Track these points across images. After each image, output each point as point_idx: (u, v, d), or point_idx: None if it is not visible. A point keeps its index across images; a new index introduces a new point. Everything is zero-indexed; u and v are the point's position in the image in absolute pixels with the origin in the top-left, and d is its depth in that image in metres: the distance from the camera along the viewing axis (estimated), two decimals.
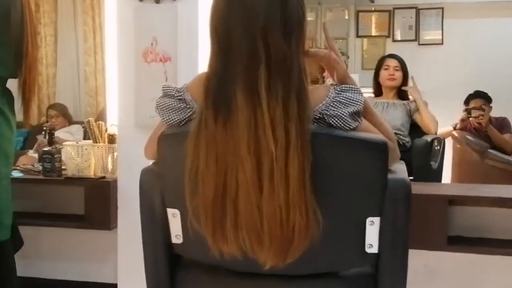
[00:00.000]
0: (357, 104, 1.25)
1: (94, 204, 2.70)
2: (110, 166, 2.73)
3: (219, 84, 1.18)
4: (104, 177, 2.72)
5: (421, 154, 3.63)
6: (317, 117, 1.24)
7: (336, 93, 1.26)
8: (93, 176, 2.72)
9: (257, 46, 1.16)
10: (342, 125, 1.23)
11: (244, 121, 1.14)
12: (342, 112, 1.23)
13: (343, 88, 1.27)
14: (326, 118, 1.23)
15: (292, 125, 1.14)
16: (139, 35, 2.52)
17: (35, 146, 4.10)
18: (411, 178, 1.35)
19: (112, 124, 2.76)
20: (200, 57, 2.49)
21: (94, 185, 2.69)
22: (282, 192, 1.13)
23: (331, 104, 1.24)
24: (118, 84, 2.63)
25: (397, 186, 1.25)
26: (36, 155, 3.35)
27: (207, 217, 1.19)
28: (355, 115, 1.25)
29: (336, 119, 1.23)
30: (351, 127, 1.24)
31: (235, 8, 1.19)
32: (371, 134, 1.28)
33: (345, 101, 1.25)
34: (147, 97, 2.49)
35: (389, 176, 1.25)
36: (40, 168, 2.82)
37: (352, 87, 1.28)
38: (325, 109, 1.24)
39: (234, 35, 1.18)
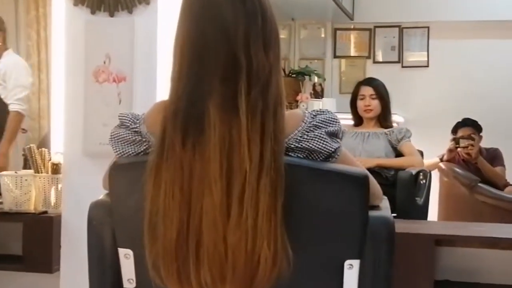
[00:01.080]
0: (334, 124, 1.30)
1: (34, 243, 2.65)
2: (53, 200, 2.70)
3: (189, 103, 1.21)
4: (46, 212, 2.68)
5: (406, 188, 3.66)
6: (293, 146, 1.26)
7: (311, 117, 1.29)
8: (33, 211, 2.68)
9: (238, 55, 1.21)
10: (323, 146, 1.27)
11: (218, 140, 1.17)
12: (320, 133, 1.27)
13: (318, 112, 1.32)
14: (304, 143, 1.27)
15: (267, 142, 1.18)
16: (90, 51, 2.51)
17: None
18: (394, 215, 1.37)
19: (56, 152, 2.72)
20: (159, 77, 2.49)
21: (35, 221, 2.65)
22: (250, 218, 1.16)
23: (308, 129, 1.28)
24: (65, 106, 2.61)
25: (379, 225, 1.26)
26: None
27: (170, 265, 1.19)
28: (334, 135, 1.29)
29: (316, 141, 1.27)
30: (333, 148, 1.28)
31: (212, 17, 1.24)
32: (350, 166, 1.31)
33: (321, 124, 1.29)
34: (97, 121, 2.47)
35: (370, 213, 1.26)
36: None
37: (324, 111, 1.33)
38: (301, 136, 1.27)
39: (210, 45, 1.22)
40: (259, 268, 1.17)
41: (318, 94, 5.87)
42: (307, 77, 5.65)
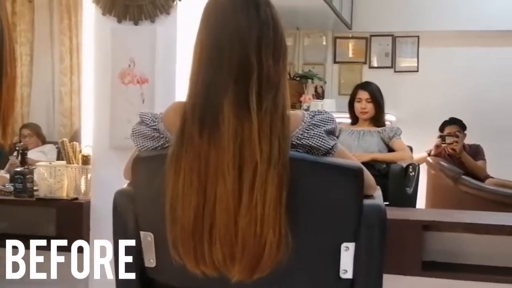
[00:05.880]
0: (330, 123, 1.30)
1: (66, 226, 2.65)
2: (83, 188, 2.70)
3: (207, 98, 1.21)
4: (76, 199, 2.68)
5: (397, 179, 3.66)
6: (294, 143, 1.26)
7: (310, 117, 1.30)
8: (65, 197, 2.69)
9: (250, 59, 1.21)
10: (321, 143, 1.27)
11: (231, 133, 1.18)
12: (319, 131, 1.27)
13: (316, 112, 1.32)
14: (304, 141, 1.26)
15: (275, 140, 1.18)
16: (116, 56, 2.51)
17: (7, 166, 4.03)
18: (387, 203, 1.36)
19: (86, 145, 2.73)
20: (178, 79, 2.49)
21: (66, 206, 2.65)
22: (259, 206, 1.16)
23: (307, 127, 1.28)
24: (94, 104, 2.61)
25: (372, 212, 1.26)
26: (7, 175, 3.29)
27: (188, 243, 1.20)
28: (331, 133, 1.29)
29: (315, 139, 1.27)
30: (330, 145, 1.28)
31: (229, 23, 1.24)
32: (346, 160, 1.30)
33: (319, 123, 1.29)
34: (123, 118, 2.47)
35: (365, 201, 1.26)
36: (12, 188, 2.78)
37: (322, 111, 1.33)
38: (301, 134, 1.27)
39: (227, 48, 1.22)
40: (265, 251, 1.17)
41: (319, 95, 5.85)
42: (309, 80, 5.63)
